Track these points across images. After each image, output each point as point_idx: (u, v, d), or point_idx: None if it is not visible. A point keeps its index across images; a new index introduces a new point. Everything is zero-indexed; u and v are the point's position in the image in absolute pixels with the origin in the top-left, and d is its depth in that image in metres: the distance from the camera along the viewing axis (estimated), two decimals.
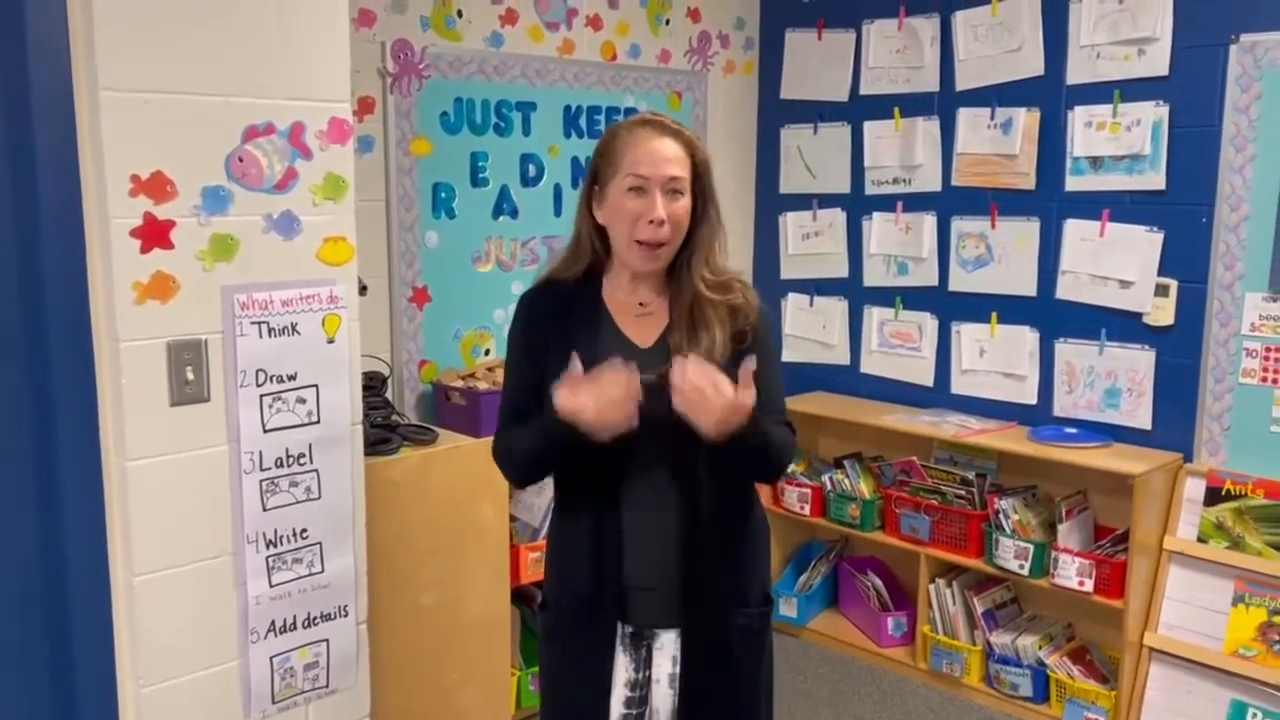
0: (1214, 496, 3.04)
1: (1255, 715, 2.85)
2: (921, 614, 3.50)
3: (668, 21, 3.71)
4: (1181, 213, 3.10)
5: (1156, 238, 3.15)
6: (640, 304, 1.89)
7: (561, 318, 1.87)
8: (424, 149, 3.13)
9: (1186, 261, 3.10)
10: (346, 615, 2.32)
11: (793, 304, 4.03)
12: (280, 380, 2.16)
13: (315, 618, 2.27)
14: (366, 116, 3.00)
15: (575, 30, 3.46)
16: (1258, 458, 3.00)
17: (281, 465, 2.18)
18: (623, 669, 1.90)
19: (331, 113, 2.18)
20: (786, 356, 3.96)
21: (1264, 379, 2.99)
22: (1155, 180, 3.13)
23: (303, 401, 2.20)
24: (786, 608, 3.75)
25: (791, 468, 3.78)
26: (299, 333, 2.18)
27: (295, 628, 2.24)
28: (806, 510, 3.75)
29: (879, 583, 3.75)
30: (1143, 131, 3.13)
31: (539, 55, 3.37)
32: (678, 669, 1.89)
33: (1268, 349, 2.98)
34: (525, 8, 3.33)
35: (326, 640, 2.29)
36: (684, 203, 1.81)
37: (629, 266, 1.85)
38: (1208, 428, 3.10)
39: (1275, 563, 2.91)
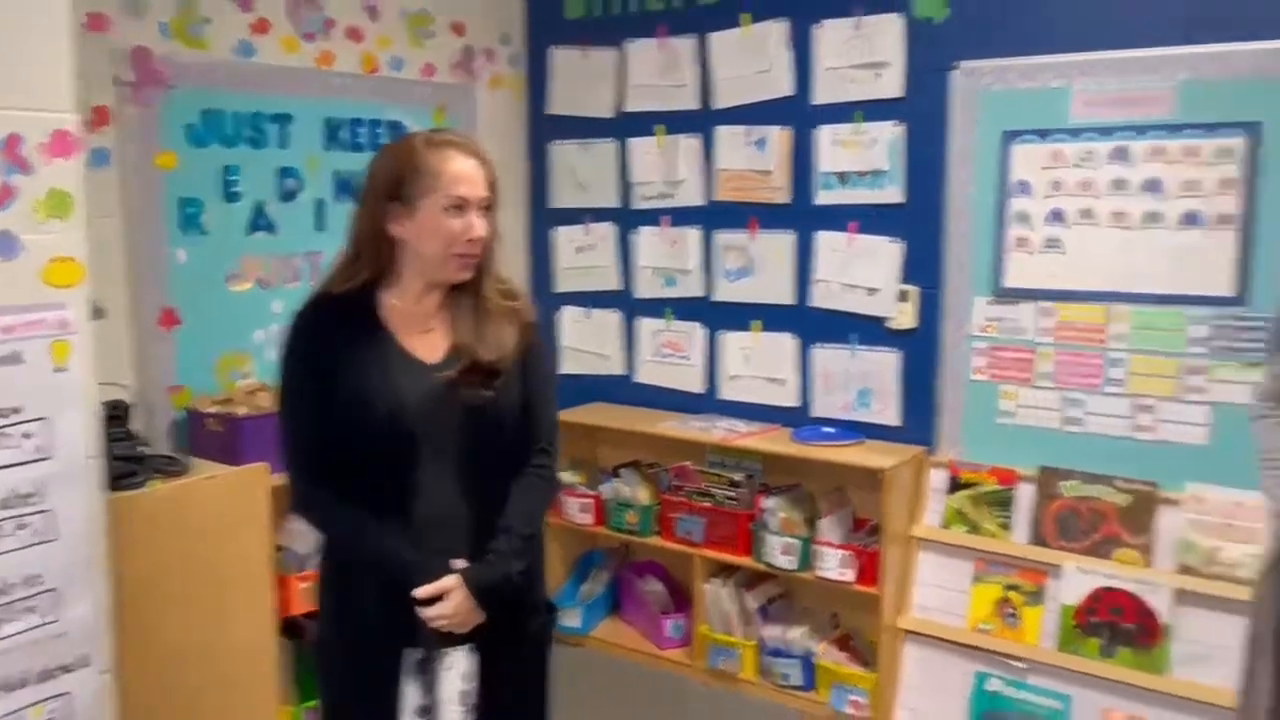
0: (955, 485, 3.30)
1: (995, 683, 3.11)
2: (698, 614, 3.61)
3: (432, 35, 3.68)
4: (918, 224, 3.35)
5: (897, 248, 3.39)
6: (429, 324, 1.91)
7: (342, 333, 1.87)
8: (169, 162, 2.96)
9: (924, 269, 3.36)
10: (89, 665, 2.15)
11: (569, 317, 4.07)
12: (3, 414, 1.98)
13: (52, 670, 2.09)
14: (102, 128, 2.80)
15: (334, 41, 3.37)
16: (989, 447, 3.28)
17: (7, 506, 2.00)
18: (411, 696, 1.86)
19: (54, 124, 2.02)
20: (565, 369, 4.00)
21: (991, 375, 3.27)
22: (895, 194, 3.38)
23: (29, 436, 2.03)
24: (570, 618, 3.78)
25: (572, 479, 3.82)
26: (23, 361, 2.01)
27: (28, 683, 2.06)
28: (588, 520, 3.79)
29: (660, 587, 3.84)
30: (882, 149, 3.37)
31: (295, 66, 3.26)
32: (471, 685, 1.88)
33: (993, 348, 3.26)
34: (278, 17, 3.21)
35: (67, 694, 2.12)
36: (492, 219, 1.91)
37: (432, 277, 1.89)
38: (947, 422, 3.37)
39: (1006, 543, 3.19)
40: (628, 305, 3.97)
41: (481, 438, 1.86)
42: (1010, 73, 3.14)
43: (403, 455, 1.83)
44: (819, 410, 3.61)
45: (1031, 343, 3.20)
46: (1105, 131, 3.02)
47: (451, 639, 1.86)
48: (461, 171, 1.85)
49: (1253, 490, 2.49)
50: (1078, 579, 3.03)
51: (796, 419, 3.63)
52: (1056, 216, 3.12)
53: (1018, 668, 3.08)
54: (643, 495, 3.76)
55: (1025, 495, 3.19)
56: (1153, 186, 2.96)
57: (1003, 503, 3.22)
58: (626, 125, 3.88)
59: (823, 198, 3.51)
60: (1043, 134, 3.11)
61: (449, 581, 1.82)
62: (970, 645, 3.16)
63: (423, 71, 3.66)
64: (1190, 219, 2.93)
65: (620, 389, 4.01)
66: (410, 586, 1.81)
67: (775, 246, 3.62)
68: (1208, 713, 2.77)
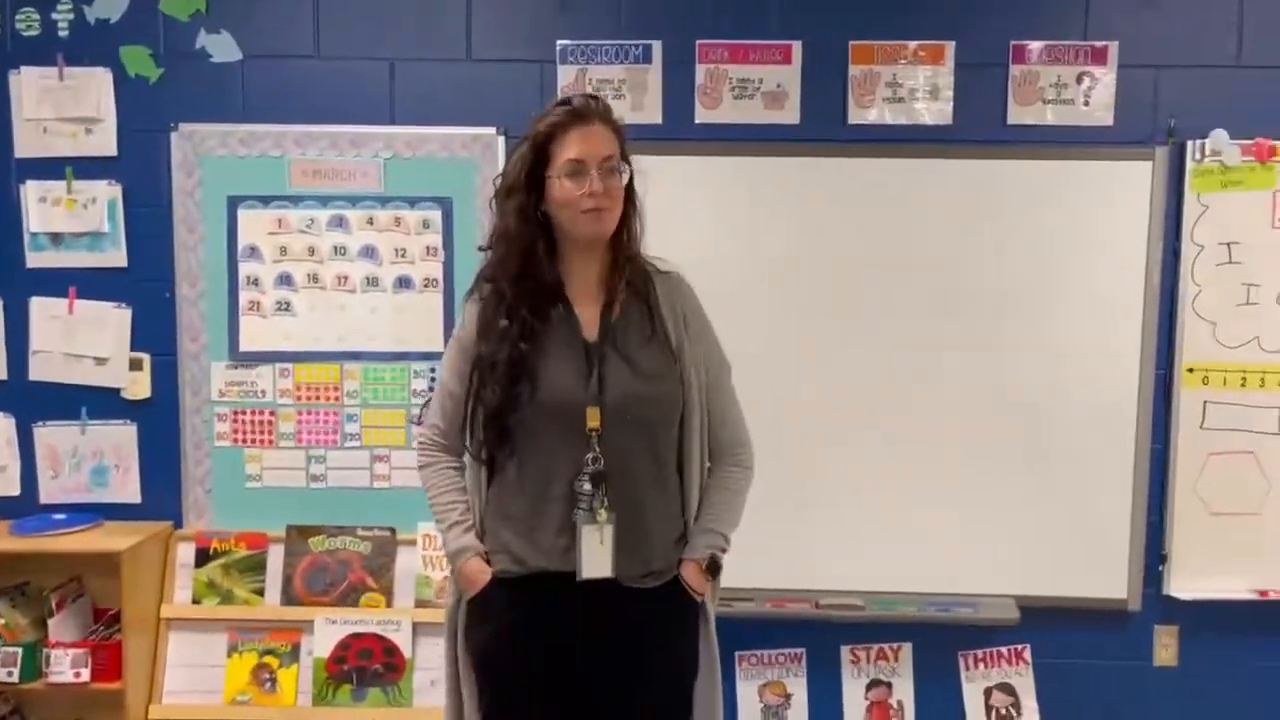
0: (204, 557, 3.18)
1: None
2: None
3: None
4: (146, 289, 3.19)
5: (125, 314, 3.19)
6: None
7: None
8: None
9: (156, 335, 3.20)
10: None
11: None
12: None
13: None
14: None
15: None
16: (237, 514, 3.22)
17: None
18: None
19: None
20: None
21: (235, 440, 3.23)
22: (118, 258, 3.18)
23: None
24: None
25: None
26: None
27: None
28: None
29: None
30: (99, 209, 3.15)
31: None
32: None
33: (235, 413, 3.22)
34: None
35: None
36: None
37: None
38: (193, 492, 3.23)
39: (260, 608, 3.16)
40: None
41: None
42: (231, 138, 3.15)
43: None
44: (48, 496, 3.24)
45: (272, 404, 3.23)
46: (323, 200, 3.18)
47: None
48: None
49: None
50: (328, 631, 3.11)
51: (20, 509, 3.21)
52: (286, 280, 3.20)
53: None
54: None
55: (276, 557, 3.19)
56: (369, 253, 3.19)
57: (255, 568, 3.19)
58: None
59: (35, 260, 3.18)
60: (265, 200, 3.17)
61: None
62: None
63: None
64: (404, 282, 3.20)
65: None
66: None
67: None
68: None
